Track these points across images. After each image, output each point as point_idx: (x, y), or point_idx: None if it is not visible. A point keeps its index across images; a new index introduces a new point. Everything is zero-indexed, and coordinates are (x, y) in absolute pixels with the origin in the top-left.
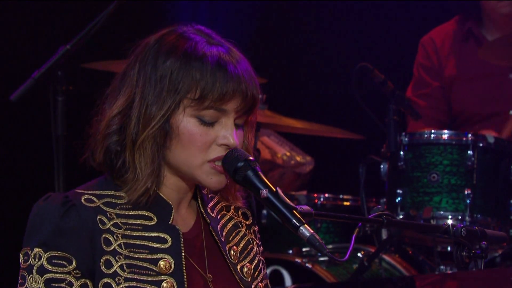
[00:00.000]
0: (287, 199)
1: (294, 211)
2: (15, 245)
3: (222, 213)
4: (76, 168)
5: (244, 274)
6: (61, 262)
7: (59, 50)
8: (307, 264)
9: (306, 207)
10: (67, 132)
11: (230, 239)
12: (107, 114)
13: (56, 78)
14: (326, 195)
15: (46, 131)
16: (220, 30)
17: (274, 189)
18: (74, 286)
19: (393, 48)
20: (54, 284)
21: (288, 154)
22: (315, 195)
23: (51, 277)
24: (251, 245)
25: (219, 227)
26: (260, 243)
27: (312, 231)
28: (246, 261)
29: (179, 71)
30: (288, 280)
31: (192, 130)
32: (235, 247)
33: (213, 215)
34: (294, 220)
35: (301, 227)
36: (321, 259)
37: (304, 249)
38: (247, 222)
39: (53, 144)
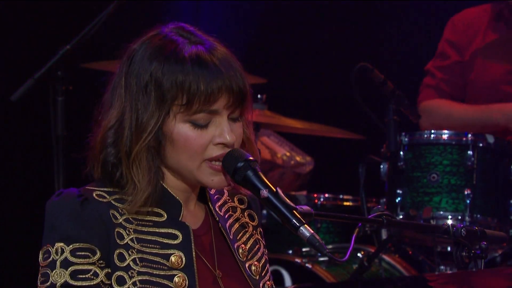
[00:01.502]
0: (287, 199)
1: (294, 211)
2: (15, 244)
3: (229, 213)
4: (76, 168)
5: (253, 272)
6: (85, 253)
7: (59, 50)
8: (307, 264)
9: (306, 207)
10: (67, 132)
11: (238, 238)
12: (102, 127)
13: (56, 78)
14: (326, 195)
15: (46, 131)
16: (220, 30)
17: (274, 189)
18: (100, 276)
19: (393, 48)
20: (80, 276)
21: (288, 154)
22: (315, 195)
23: (76, 268)
24: (258, 245)
25: (227, 225)
26: (265, 245)
27: (312, 231)
28: (254, 260)
29: (163, 78)
30: (288, 280)
31: (186, 135)
32: (243, 246)
33: (221, 214)
34: (294, 220)
35: (301, 227)
36: (321, 259)
37: (304, 249)
38: (253, 223)
39: (53, 144)
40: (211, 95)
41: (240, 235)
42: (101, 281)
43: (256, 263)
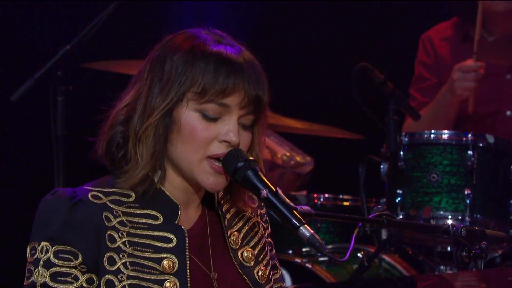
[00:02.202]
0: (287, 199)
1: (294, 211)
2: (15, 244)
3: (226, 198)
4: (76, 168)
5: (245, 258)
6: (68, 256)
7: (59, 50)
8: (307, 264)
9: (306, 207)
10: (67, 132)
11: (232, 224)
12: (117, 106)
13: (56, 78)
14: (326, 195)
15: (46, 131)
16: (220, 30)
17: (274, 189)
18: (80, 280)
19: (393, 48)
20: (60, 278)
21: (288, 154)
22: (315, 195)
23: (57, 270)
24: (256, 228)
25: (224, 210)
26: (267, 226)
27: (312, 231)
28: (249, 246)
29: (185, 64)
30: (288, 280)
31: (193, 124)
32: (236, 233)
33: (218, 199)
34: (294, 220)
35: (301, 227)
36: (321, 259)
37: (304, 249)
38: (252, 205)
39: (53, 144)
40: (226, 88)
41: (235, 221)
42: (81, 285)
43: (249, 249)
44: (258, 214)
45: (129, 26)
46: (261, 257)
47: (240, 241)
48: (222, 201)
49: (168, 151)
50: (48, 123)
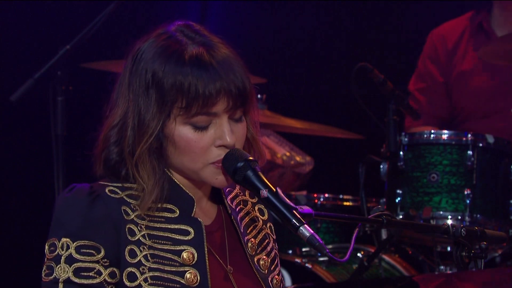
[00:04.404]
0: (287, 199)
1: (294, 211)
2: (15, 244)
3: (240, 206)
4: (76, 168)
5: (261, 266)
6: (90, 251)
7: (59, 50)
8: (307, 264)
9: (306, 207)
10: (67, 132)
11: (248, 231)
12: (105, 126)
13: (56, 78)
14: (326, 195)
15: (46, 131)
16: (219, 30)
17: (274, 189)
18: (103, 275)
19: (393, 48)
20: (83, 273)
21: (288, 154)
22: (315, 195)
23: (80, 266)
24: (267, 240)
25: (238, 218)
26: (274, 239)
27: (312, 231)
28: (263, 254)
29: (163, 79)
30: (288, 280)
31: (187, 138)
32: (252, 240)
33: (233, 207)
34: (294, 220)
35: (301, 227)
36: (321, 259)
37: (304, 249)
38: (263, 218)
39: (53, 144)
40: (209, 98)
41: (250, 229)
42: (104, 279)
43: (264, 257)
44: (268, 226)
45: (129, 26)
46: (273, 266)
47: (256, 247)
48: (234, 204)
49: (169, 162)
50: (48, 123)
